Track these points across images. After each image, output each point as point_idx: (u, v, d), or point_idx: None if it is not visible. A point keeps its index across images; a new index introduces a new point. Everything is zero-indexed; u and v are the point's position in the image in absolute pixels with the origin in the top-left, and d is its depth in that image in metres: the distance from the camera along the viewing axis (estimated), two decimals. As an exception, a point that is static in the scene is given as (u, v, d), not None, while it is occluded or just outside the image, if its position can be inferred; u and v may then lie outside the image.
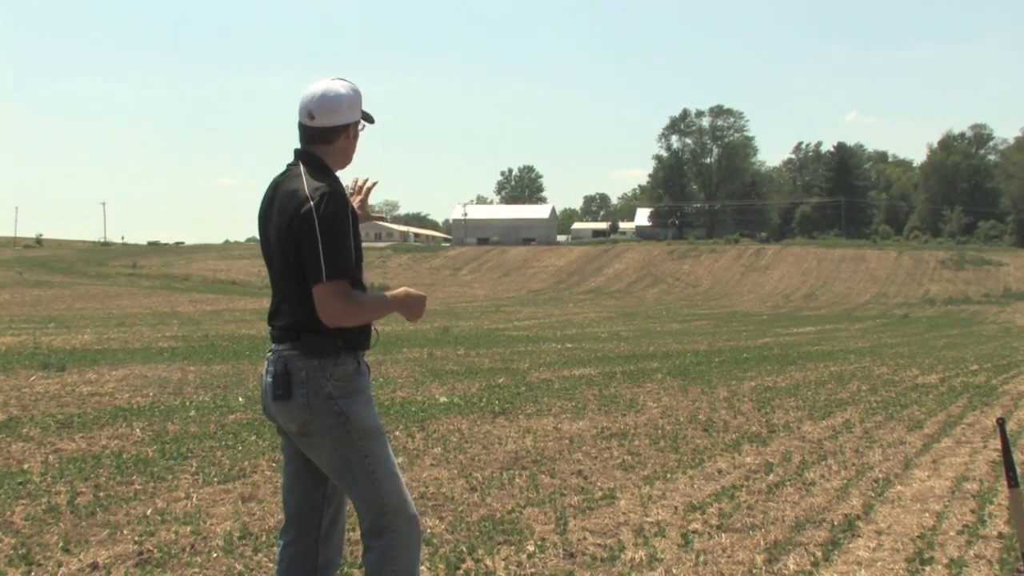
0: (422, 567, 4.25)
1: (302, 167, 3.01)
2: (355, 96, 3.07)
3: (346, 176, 3.15)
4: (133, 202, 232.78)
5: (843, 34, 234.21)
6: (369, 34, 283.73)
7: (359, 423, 2.97)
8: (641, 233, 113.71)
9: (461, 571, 4.30)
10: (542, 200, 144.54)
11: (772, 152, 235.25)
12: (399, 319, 3.14)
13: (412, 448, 7.36)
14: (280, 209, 2.95)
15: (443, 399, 10.28)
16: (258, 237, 3.14)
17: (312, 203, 2.87)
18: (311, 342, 2.93)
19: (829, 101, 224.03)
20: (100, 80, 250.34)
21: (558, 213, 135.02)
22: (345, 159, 3.13)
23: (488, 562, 4.43)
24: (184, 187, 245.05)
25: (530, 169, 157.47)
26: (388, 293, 3.07)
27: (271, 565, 3.95)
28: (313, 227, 2.85)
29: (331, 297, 2.86)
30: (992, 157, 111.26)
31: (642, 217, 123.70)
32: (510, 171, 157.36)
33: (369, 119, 3.15)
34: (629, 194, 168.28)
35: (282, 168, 3.11)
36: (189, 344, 18.02)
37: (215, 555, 4.46)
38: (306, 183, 2.93)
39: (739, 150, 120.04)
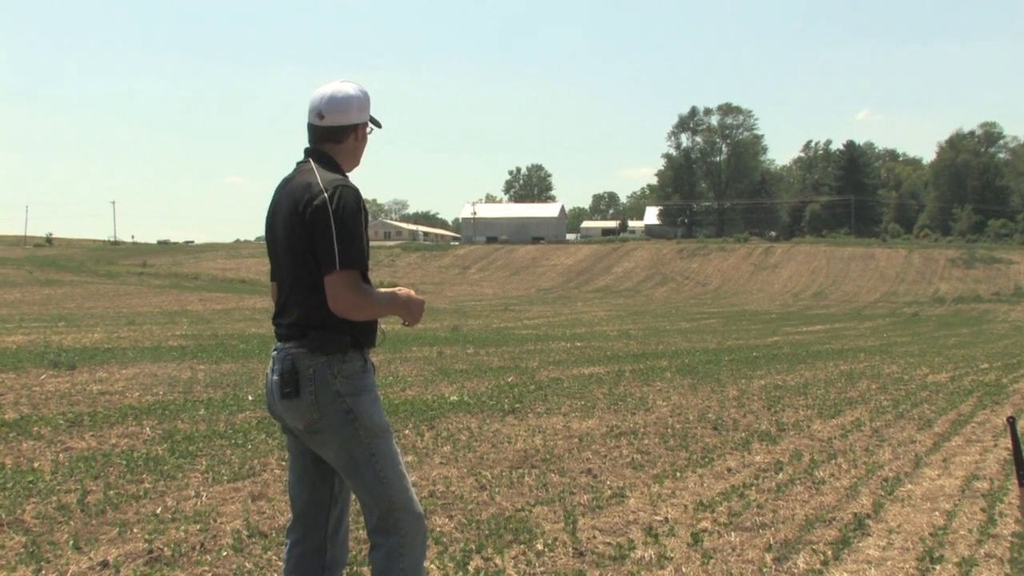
0: (432, 565, 4.26)
1: (313, 163, 3.04)
2: (364, 98, 3.10)
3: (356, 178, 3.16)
4: (143, 201, 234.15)
5: (853, 32, 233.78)
6: (378, 33, 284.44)
7: (368, 421, 2.97)
8: (650, 232, 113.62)
9: (470, 570, 4.29)
10: (551, 199, 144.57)
11: (782, 150, 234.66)
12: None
13: (421, 447, 7.36)
14: (292, 202, 2.96)
15: (453, 398, 10.28)
16: (265, 235, 3.15)
17: (327, 194, 2.89)
18: (319, 339, 2.93)
19: (839, 99, 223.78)
20: (109, 79, 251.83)
21: (567, 212, 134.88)
22: (354, 160, 3.16)
23: (497, 561, 4.43)
24: (194, 186, 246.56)
25: (539, 168, 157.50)
26: (395, 292, 3.08)
27: (280, 563, 3.95)
28: (327, 217, 2.86)
29: (343, 286, 2.86)
30: (1002, 155, 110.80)
31: (651, 216, 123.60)
32: (519, 170, 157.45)
33: (376, 124, 3.18)
34: (638, 193, 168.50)
35: (292, 167, 3.12)
36: (199, 343, 18.06)
37: (225, 553, 4.47)
38: (320, 176, 2.95)
39: (748, 148, 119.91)
